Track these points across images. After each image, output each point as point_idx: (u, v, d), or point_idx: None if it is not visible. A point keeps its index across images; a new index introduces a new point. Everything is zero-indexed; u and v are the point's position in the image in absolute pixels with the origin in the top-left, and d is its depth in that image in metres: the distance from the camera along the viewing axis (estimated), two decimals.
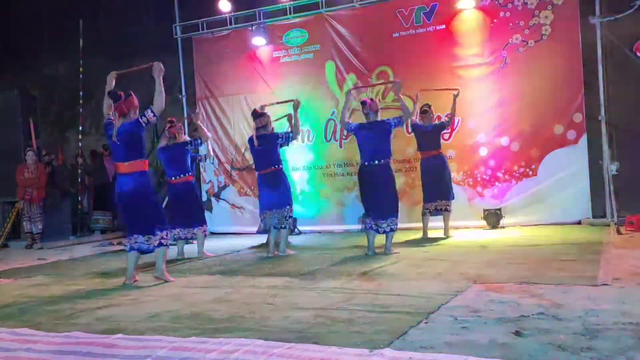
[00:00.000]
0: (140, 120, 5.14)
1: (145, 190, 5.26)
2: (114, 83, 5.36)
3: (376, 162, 6.22)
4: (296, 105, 6.84)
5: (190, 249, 7.24)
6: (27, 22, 12.84)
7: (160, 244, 5.29)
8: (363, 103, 6.42)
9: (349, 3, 9.09)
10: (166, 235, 5.34)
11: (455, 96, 7.54)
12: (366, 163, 6.28)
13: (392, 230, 6.28)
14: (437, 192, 7.43)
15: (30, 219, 9.57)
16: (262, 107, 6.95)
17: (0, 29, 12.81)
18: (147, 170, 5.32)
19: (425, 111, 7.57)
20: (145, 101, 5.36)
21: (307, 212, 9.27)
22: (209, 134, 7.87)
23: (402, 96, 6.60)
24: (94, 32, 11.64)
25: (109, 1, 12.26)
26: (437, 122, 7.75)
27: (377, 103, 6.57)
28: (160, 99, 5.14)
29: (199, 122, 7.40)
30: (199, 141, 7.16)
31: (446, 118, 7.66)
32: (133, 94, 5.26)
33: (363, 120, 6.49)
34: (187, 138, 7.28)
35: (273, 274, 5.48)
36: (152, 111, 5.14)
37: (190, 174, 7.05)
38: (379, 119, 6.41)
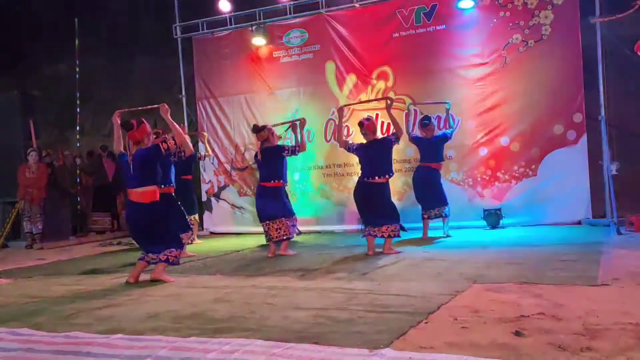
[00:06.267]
0: (160, 145, 5.13)
1: (157, 219, 5.27)
2: (119, 121, 5.37)
3: (376, 178, 6.22)
4: (302, 123, 6.90)
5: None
6: (27, 22, 12.85)
7: (167, 260, 5.33)
8: (360, 124, 6.41)
9: (349, 3, 9.09)
10: (178, 255, 5.38)
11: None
12: (365, 179, 6.29)
13: (394, 236, 6.30)
14: (433, 200, 7.49)
15: (31, 219, 9.56)
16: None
17: (0, 29, 12.81)
18: (158, 200, 5.24)
19: (426, 124, 7.58)
20: None
21: (307, 212, 9.25)
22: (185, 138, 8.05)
23: (392, 112, 6.48)
24: (94, 32, 11.66)
25: (109, 1, 12.27)
26: (439, 133, 7.73)
27: (374, 122, 6.55)
28: (179, 136, 5.24)
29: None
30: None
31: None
32: (145, 122, 5.27)
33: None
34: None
35: (273, 274, 5.48)
36: (174, 139, 5.21)
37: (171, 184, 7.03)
38: (378, 137, 6.47)
